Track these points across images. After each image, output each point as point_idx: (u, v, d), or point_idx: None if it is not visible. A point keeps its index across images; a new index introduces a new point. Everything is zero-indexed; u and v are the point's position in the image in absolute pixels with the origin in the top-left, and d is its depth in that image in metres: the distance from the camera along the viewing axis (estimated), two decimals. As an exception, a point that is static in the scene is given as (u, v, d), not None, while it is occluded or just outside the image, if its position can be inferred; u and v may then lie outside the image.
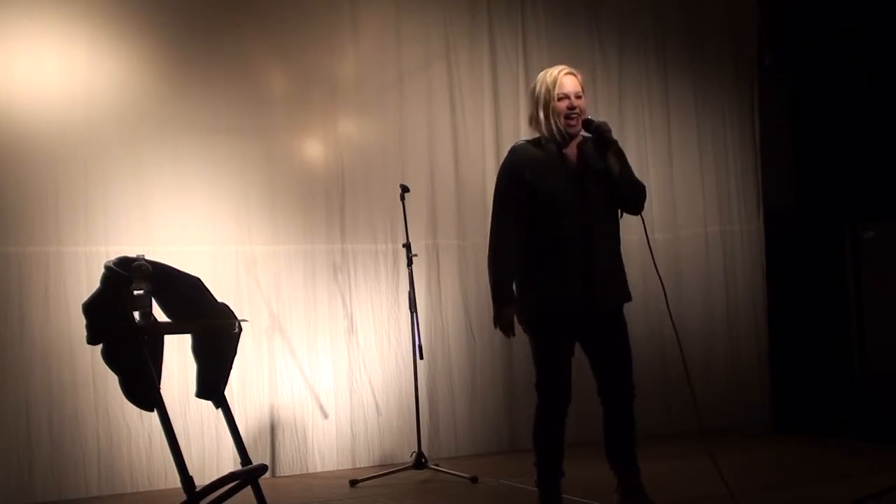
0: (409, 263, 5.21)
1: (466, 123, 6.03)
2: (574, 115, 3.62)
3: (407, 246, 5.24)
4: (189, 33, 5.31)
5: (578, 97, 3.63)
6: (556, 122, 3.62)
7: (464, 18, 6.10)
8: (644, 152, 6.55)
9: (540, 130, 3.68)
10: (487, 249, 3.72)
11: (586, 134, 3.69)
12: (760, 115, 6.81)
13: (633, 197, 3.71)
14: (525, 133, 6.13)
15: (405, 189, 5.31)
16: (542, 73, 3.71)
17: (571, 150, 3.68)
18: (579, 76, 3.68)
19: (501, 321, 3.64)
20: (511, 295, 3.64)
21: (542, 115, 3.64)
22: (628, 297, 3.75)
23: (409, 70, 5.91)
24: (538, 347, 3.67)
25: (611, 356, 3.68)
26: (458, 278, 5.92)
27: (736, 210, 6.75)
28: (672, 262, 6.54)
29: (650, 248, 3.88)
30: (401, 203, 5.31)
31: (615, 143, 3.63)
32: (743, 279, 6.70)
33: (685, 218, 6.64)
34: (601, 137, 3.63)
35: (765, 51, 6.80)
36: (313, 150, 5.68)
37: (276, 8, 5.57)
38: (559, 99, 3.61)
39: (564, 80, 3.63)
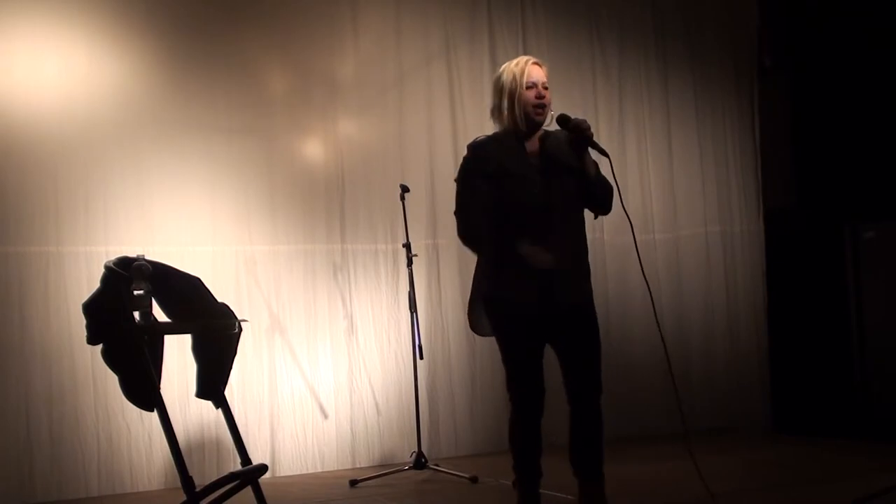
0: (409, 263, 5.21)
1: (466, 123, 6.03)
2: (542, 105, 3.50)
3: (407, 246, 5.24)
4: (189, 33, 5.31)
5: (545, 88, 3.52)
6: (521, 112, 3.49)
7: (464, 18, 6.10)
8: (644, 152, 6.56)
9: (502, 122, 3.56)
10: (460, 234, 3.66)
11: (547, 128, 3.57)
12: (760, 115, 6.82)
13: (603, 198, 3.58)
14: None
15: (405, 189, 5.30)
16: (506, 64, 3.59)
17: (533, 144, 3.56)
18: (545, 68, 3.57)
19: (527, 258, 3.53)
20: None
21: (506, 104, 3.51)
22: (589, 296, 3.61)
23: (408, 70, 5.92)
24: (501, 345, 3.58)
25: (572, 354, 3.56)
26: (458, 278, 5.91)
27: (736, 210, 6.76)
28: (672, 263, 6.55)
29: (637, 249, 3.82)
30: (401, 203, 5.31)
31: (598, 144, 3.50)
32: (743, 279, 6.71)
33: (685, 218, 6.65)
34: (583, 138, 3.47)
35: (765, 51, 6.81)
36: (313, 150, 5.68)
37: (276, 8, 5.57)
38: (527, 87, 3.47)
39: (532, 69, 3.50)
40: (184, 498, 3.22)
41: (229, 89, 5.38)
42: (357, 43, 5.79)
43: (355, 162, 5.71)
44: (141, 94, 5.17)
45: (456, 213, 3.62)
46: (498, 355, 5.86)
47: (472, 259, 5.91)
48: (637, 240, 3.88)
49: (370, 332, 5.66)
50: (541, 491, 3.64)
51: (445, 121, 5.99)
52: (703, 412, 6.33)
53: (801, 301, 6.40)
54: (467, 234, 3.62)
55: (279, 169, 5.52)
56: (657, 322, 3.92)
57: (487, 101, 5.92)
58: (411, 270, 5.21)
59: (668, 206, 6.58)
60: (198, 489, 3.24)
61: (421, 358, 5.11)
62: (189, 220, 5.25)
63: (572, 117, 3.52)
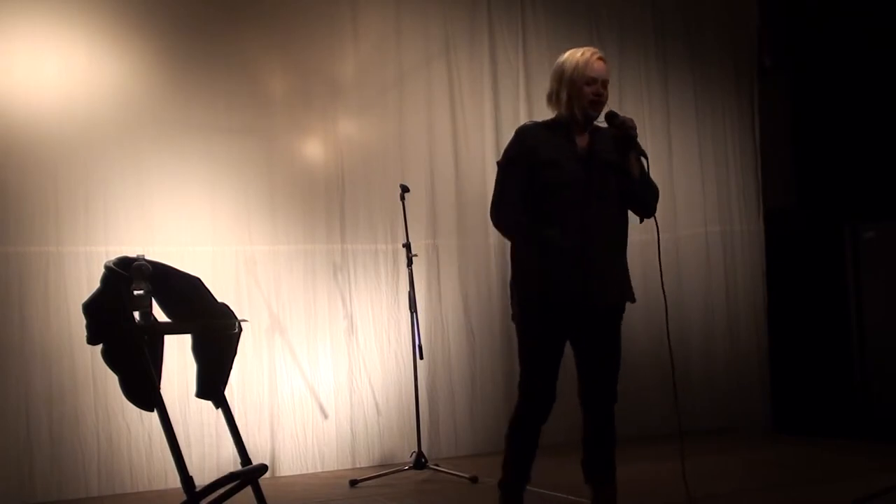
0: (409, 263, 5.21)
1: (466, 123, 6.04)
2: (600, 102, 3.44)
3: (407, 246, 5.24)
4: (189, 33, 5.31)
5: (605, 85, 3.46)
6: (578, 104, 3.43)
7: (464, 18, 6.10)
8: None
9: (559, 110, 3.49)
10: (494, 223, 3.53)
11: (601, 123, 3.51)
12: (760, 115, 6.83)
13: (643, 200, 3.53)
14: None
15: (405, 189, 5.31)
16: (570, 52, 3.49)
17: (583, 138, 3.49)
18: (608, 64, 3.51)
19: (552, 241, 3.38)
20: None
21: (565, 94, 3.44)
22: (631, 297, 3.55)
23: (408, 70, 5.92)
24: (527, 341, 3.49)
25: (596, 358, 3.49)
26: (458, 278, 5.92)
27: (736, 210, 6.77)
28: (672, 263, 6.55)
29: (659, 252, 3.62)
30: (401, 203, 5.31)
31: (639, 145, 3.47)
32: (743, 279, 6.71)
33: (685, 218, 6.65)
34: (626, 137, 3.44)
35: (765, 51, 6.81)
36: (313, 150, 5.68)
37: (276, 8, 5.57)
38: (588, 82, 3.40)
39: (596, 63, 3.42)
40: (184, 498, 3.22)
41: (229, 89, 5.38)
42: (357, 43, 5.79)
43: (355, 162, 5.71)
44: (141, 94, 5.17)
45: (494, 201, 3.53)
46: (497, 356, 5.94)
47: (472, 259, 5.97)
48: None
49: (370, 332, 5.66)
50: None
51: (445, 121, 5.99)
52: (703, 412, 6.33)
53: (801, 301, 6.40)
54: (506, 224, 3.52)
55: (279, 169, 5.52)
56: (667, 333, 3.80)
57: (487, 101, 6.10)
58: (411, 270, 5.21)
59: (667, 206, 6.56)
60: (198, 489, 3.24)
61: (421, 358, 5.11)
62: (189, 220, 5.25)
63: (620, 115, 3.47)
